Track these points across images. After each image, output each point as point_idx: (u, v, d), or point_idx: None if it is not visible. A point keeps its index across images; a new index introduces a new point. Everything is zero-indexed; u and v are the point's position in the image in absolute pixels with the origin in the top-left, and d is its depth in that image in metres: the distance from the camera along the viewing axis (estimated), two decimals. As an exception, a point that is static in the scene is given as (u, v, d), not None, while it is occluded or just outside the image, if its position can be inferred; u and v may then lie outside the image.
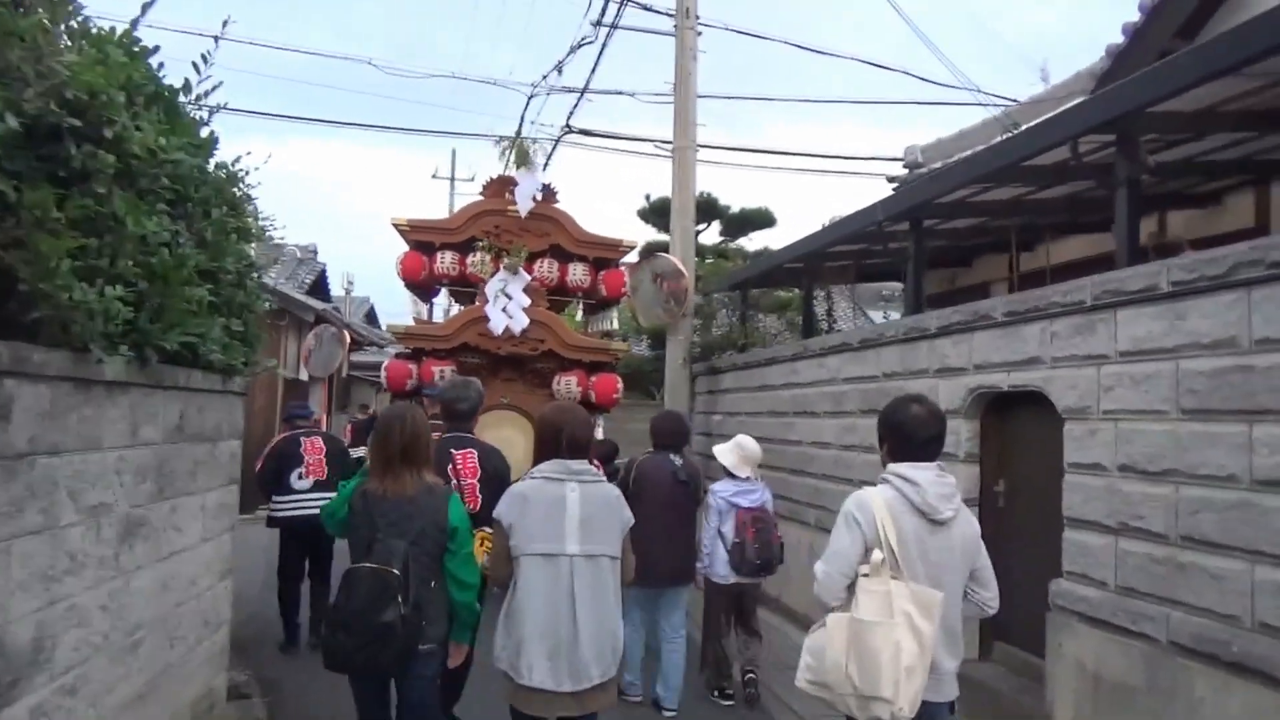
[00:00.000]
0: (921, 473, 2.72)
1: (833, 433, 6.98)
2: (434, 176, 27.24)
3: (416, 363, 8.16)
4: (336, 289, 22.91)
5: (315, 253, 20.40)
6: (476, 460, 4.10)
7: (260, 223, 4.45)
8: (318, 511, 5.95)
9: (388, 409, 3.54)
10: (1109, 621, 3.90)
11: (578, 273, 8.37)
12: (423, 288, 9.01)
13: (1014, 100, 11.86)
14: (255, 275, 4.41)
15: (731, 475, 5.11)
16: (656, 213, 17.83)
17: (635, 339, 18.99)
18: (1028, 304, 4.60)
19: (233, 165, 3.93)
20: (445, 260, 8.39)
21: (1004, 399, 5.02)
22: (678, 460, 5.02)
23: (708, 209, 16.26)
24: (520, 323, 7.86)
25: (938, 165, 9.13)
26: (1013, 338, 4.74)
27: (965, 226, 7.87)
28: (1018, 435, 5.03)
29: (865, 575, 2.63)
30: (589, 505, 3.07)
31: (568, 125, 12.15)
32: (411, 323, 8.84)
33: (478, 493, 4.02)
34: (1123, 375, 3.95)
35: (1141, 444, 3.81)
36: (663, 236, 15.18)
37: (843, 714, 2.67)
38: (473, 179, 24.86)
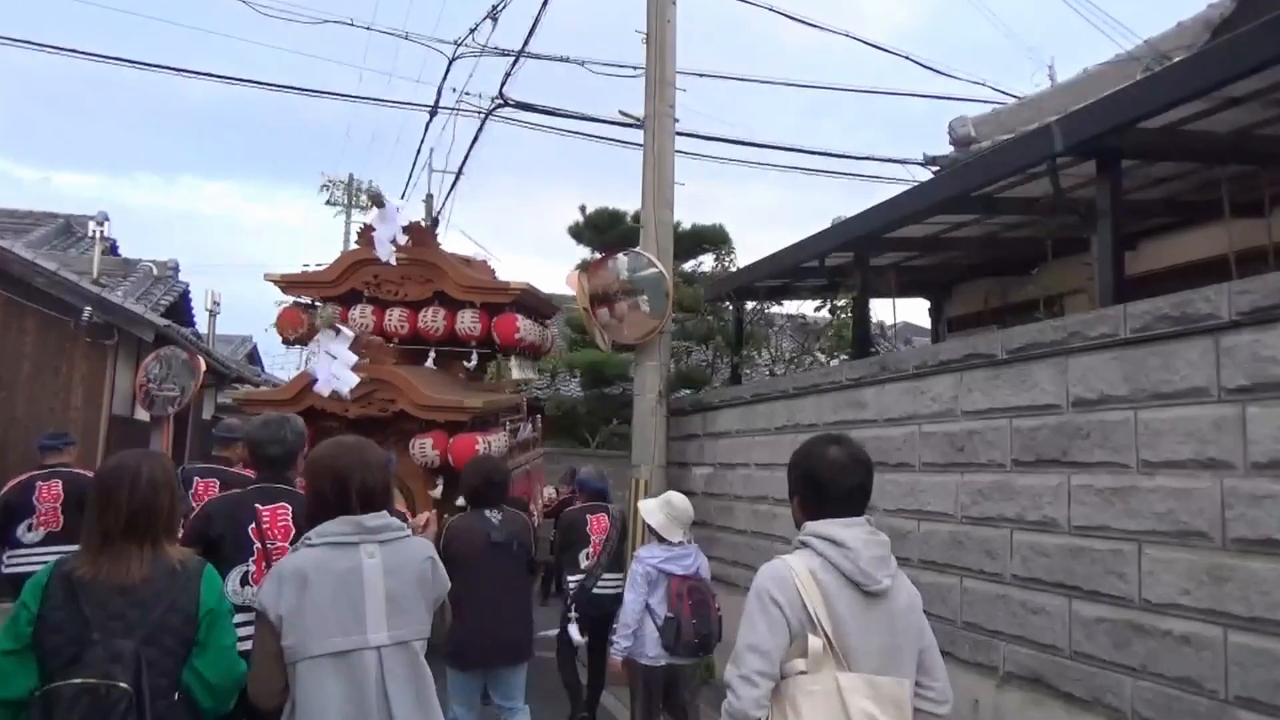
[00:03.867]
0: (850, 531, 2.11)
1: (941, 497, 4.47)
2: (329, 203, 23.48)
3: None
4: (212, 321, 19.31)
5: (176, 270, 16.85)
6: (290, 518, 3.31)
7: None
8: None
9: (111, 459, 2.40)
10: None
11: (466, 320, 7.60)
12: (305, 344, 8.38)
13: (1018, 96, 10.32)
14: None
15: (662, 539, 4.53)
16: (593, 228, 15.31)
17: (564, 375, 16.31)
18: None
19: None
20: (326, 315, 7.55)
21: None
22: (495, 517, 4.34)
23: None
24: (348, 383, 7.10)
25: (1004, 138, 6.98)
26: None
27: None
28: None
29: (803, 672, 2.02)
30: (395, 574, 2.35)
31: (500, 96, 9.52)
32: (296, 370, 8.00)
33: None
34: None
35: None
36: (598, 257, 12.60)
37: None
38: (366, 209, 21.26)
